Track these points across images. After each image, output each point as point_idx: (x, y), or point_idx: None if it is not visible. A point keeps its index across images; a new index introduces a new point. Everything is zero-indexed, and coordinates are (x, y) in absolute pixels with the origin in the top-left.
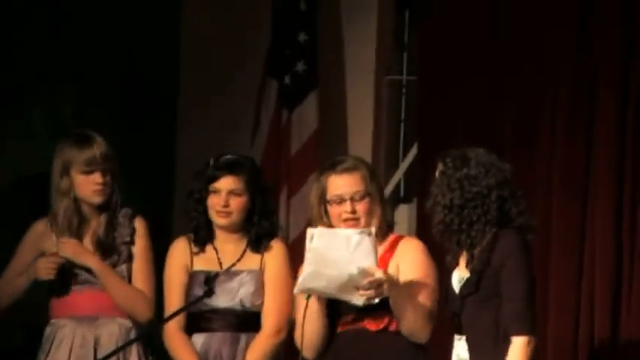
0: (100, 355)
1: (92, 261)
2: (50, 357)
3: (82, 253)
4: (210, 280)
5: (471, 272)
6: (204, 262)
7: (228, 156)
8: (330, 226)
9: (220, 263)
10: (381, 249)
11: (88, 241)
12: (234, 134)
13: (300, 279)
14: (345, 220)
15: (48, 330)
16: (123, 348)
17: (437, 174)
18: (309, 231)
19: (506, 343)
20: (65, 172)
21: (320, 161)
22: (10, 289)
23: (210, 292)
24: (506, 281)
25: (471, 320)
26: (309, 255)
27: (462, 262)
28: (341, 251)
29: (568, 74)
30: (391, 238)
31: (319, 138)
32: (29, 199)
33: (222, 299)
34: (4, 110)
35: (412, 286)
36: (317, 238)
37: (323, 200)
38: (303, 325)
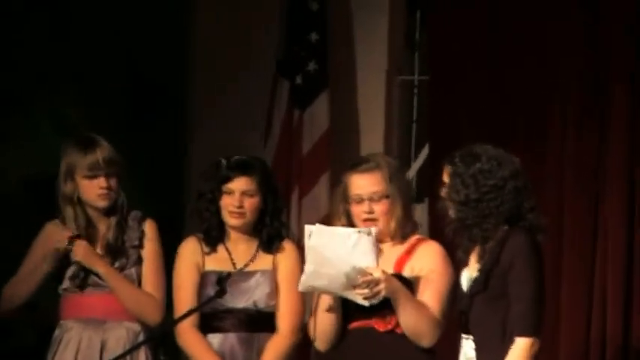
0: (105, 359)
1: (99, 265)
2: (57, 358)
3: (91, 256)
4: (222, 280)
5: (480, 271)
6: (217, 262)
7: (240, 157)
8: (350, 224)
9: (234, 263)
10: (400, 250)
11: (97, 244)
12: (244, 134)
13: (302, 277)
14: (364, 220)
15: (57, 331)
16: (132, 351)
17: (446, 176)
18: (307, 228)
19: (512, 344)
20: (70, 176)
21: (331, 161)
22: (23, 286)
23: (222, 292)
24: (514, 281)
25: (479, 319)
26: (308, 253)
27: (472, 261)
28: (339, 250)
29: (579, 70)
30: (412, 239)
31: (331, 138)
32: (33, 199)
33: (238, 299)
34: (8, 111)
35: (422, 290)
36: (315, 237)
37: (345, 198)
38: (315, 316)
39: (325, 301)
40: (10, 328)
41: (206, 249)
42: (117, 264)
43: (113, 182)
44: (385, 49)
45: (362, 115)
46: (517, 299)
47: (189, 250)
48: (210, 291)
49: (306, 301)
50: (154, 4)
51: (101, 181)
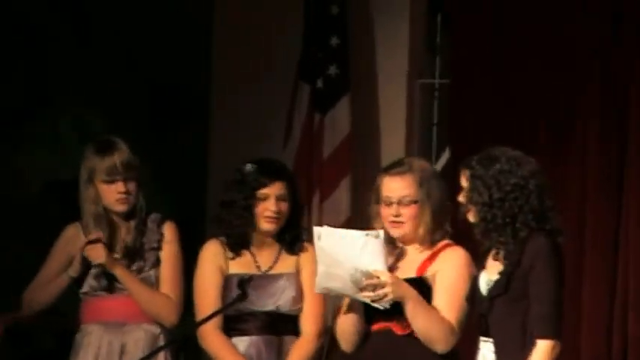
0: None
1: (115, 267)
2: None
3: (108, 259)
4: (243, 284)
5: (501, 273)
6: (241, 266)
7: (268, 161)
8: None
9: (258, 266)
10: (425, 255)
11: (116, 247)
12: (266, 139)
13: (316, 279)
14: (391, 222)
15: (77, 335)
16: (152, 355)
17: (464, 180)
18: (316, 230)
19: (533, 347)
20: (89, 180)
21: (352, 165)
22: (44, 292)
23: (244, 296)
24: (535, 283)
25: (499, 322)
26: (318, 254)
27: (489, 263)
28: (348, 252)
29: (601, 73)
30: (440, 245)
31: (352, 142)
32: (58, 207)
33: (263, 302)
34: (34, 119)
35: (439, 295)
36: (324, 238)
37: (377, 200)
38: (339, 318)
39: (346, 302)
40: (30, 333)
41: (230, 252)
42: (135, 266)
43: (131, 186)
44: (406, 52)
45: (383, 119)
46: (537, 301)
47: (212, 253)
48: (235, 294)
49: (328, 304)
50: (176, 9)
51: (119, 186)
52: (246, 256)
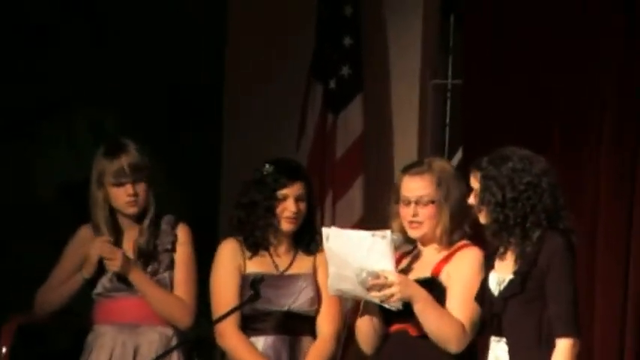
0: None
1: (131, 271)
2: None
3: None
4: (255, 284)
5: (515, 273)
6: (259, 265)
7: (287, 161)
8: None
9: (276, 266)
10: (441, 256)
11: (128, 250)
12: (279, 139)
13: (328, 281)
14: (410, 222)
15: (90, 336)
16: (165, 355)
17: (475, 182)
18: (325, 231)
19: (549, 345)
20: (99, 183)
21: (365, 165)
22: (57, 294)
23: (256, 296)
24: (553, 282)
25: (513, 322)
26: (327, 255)
27: (499, 263)
28: (356, 253)
29: (616, 76)
30: (457, 245)
31: (364, 142)
32: (72, 208)
33: (280, 302)
34: (49, 119)
35: (452, 295)
36: (332, 239)
37: (396, 199)
38: (356, 320)
39: (362, 304)
40: (43, 333)
41: (248, 252)
42: (149, 268)
43: (140, 188)
44: (419, 53)
45: (395, 119)
46: (555, 300)
47: (231, 252)
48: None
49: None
50: (190, 9)
51: (128, 189)
52: (264, 256)
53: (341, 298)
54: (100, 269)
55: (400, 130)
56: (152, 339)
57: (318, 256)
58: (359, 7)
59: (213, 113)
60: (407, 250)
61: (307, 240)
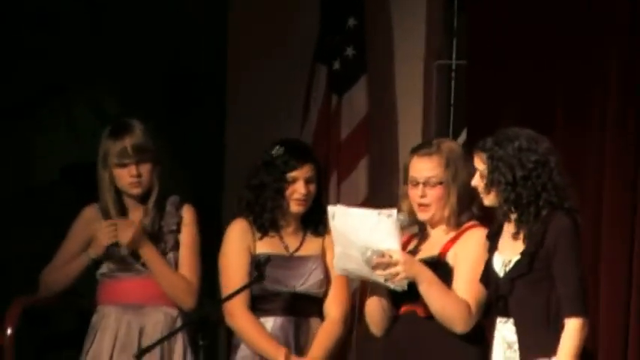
0: (144, 344)
1: (143, 246)
2: (95, 344)
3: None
4: (260, 265)
5: (523, 254)
6: (269, 246)
7: (295, 143)
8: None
9: (286, 247)
10: (449, 237)
11: None
12: (283, 120)
13: (334, 260)
14: (419, 205)
15: (94, 317)
16: (170, 336)
17: (480, 163)
18: (330, 209)
19: (557, 325)
20: (104, 163)
21: (370, 147)
22: (62, 274)
23: (260, 277)
24: (560, 263)
25: (521, 302)
26: (333, 234)
27: (503, 244)
28: (361, 232)
29: (620, 60)
30: (465, 226)
31: (369, 123)
32: (75, 193)
33: (291, 283)
34: (50, 104)
35: (458, 276)
36: (338, 218)
37: (406, 180)
38: (365, 302)
39: (370, 285)
40: (48, 315)
41: (258, 233)
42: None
43: (144, 169)
44: (423, 33)
45: (400, 100)
46: (563, 280)
47: (240, 232)
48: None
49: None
50: None
51: (132, 169)
52: (274, 237)
53: (348, 280)
54: (107, 251)
55: (404, 111)
56: (157, 319)
57: (327, 238)
58: None
59: (217, 94)
60: (415, 231)
61: (316, 221)
